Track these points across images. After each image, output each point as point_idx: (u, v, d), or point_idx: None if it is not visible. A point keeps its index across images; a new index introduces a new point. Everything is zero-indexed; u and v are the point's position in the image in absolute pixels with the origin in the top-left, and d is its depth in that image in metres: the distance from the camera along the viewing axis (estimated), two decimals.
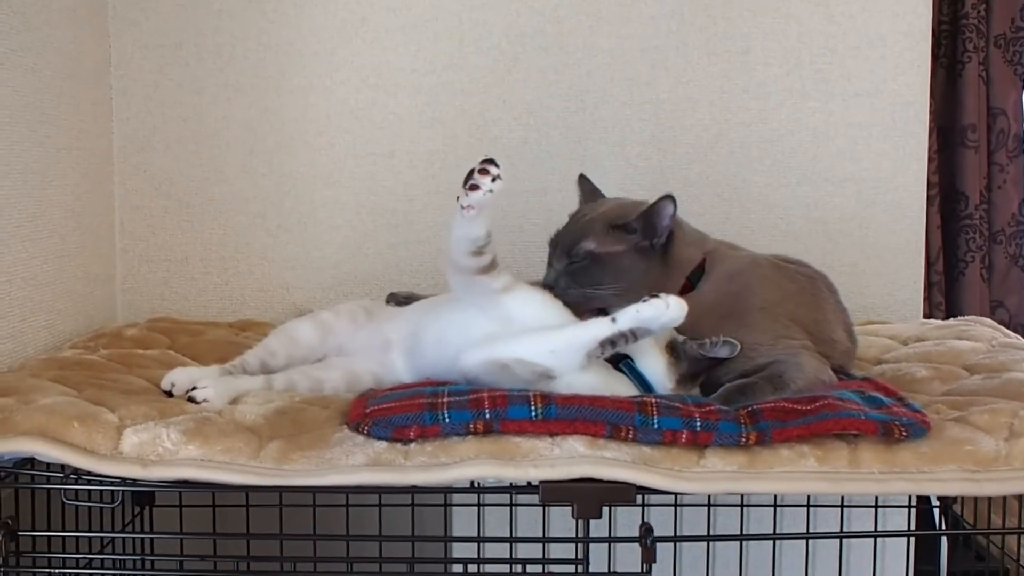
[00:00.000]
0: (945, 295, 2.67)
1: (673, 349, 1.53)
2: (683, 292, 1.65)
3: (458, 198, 1.47)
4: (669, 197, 1.62)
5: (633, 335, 1.45)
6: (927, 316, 2.49)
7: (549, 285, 1.66)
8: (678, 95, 2.28)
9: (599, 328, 1.46)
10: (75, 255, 2.04)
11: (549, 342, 1.48)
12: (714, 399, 1.47)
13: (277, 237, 2.29)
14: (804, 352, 1.58)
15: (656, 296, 1.43)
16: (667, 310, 1.43)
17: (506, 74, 2.27)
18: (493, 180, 1.44)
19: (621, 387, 1.51)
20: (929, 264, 2.59)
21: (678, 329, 1.55)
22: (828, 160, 2.30)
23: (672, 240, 1.67)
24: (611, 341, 1.45)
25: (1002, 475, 1.35)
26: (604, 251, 1.65)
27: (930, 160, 2.46)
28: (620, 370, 1.54)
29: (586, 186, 1.84)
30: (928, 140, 2.33)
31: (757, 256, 1.76)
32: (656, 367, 1.53)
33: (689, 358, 1.53)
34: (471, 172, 1.45)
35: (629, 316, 1.44)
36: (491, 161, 1.44)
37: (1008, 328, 2.18)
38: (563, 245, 1.69)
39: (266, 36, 2.24)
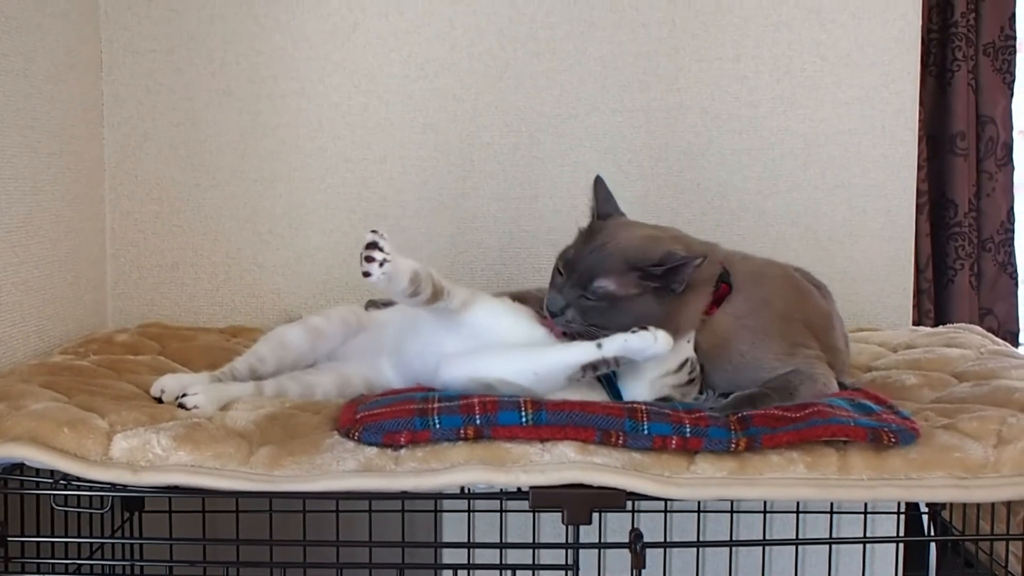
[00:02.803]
0: (934, 302, 2.67)
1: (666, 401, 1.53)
2: (723, 295, 1.62)
3: None
4: (703, 257, 1.56)
5: (616, 362, 1.46)
6: (916, 323, 2.49)
7: (553, 312, 1.58)
8: (669, 102, 2.29)
9: (584, 353, 1.46)
10: (66, 260, 2.03)
11: (532, 364, 1.49)
12: (725, 406, 1.47)
13: (268, 242, 2.29)
14: (819, 363, 1.59)
15: (645, 329, 1.44)
16: (654, 344, 1.43)
17: (498, 80, 2.27)
18: (381, 264, 1.41)
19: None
20: (918, 271, 2.59)
21: (701, 343, 1.58)
22: (818, 167, 2.31)
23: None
24: (593, 366, 1.46)
25: (991, 482, 1.36)
26: (623, 293, 1.56)
27: (919, 168, 2.47)
28: (599, 380, 1.55)
29: (601, 193, 1.74)
30: (917, 148, 2.34)
31: (769, 260, 1.75)
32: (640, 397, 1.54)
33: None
34: (360, 256, 1.42)
35: (616, 345, 1.45)
36: (374, 245, 1.41)
37: (997, 335, 2.19)
38: (579, 275, 1.58)
39: (258, 41, 2.25)
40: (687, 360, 1.54)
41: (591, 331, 1.54)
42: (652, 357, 1.45)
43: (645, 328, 1.44)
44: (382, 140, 2.28)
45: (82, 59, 2.14)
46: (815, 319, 1.66)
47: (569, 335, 1.56)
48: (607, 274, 1.56)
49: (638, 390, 1.54)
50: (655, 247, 1.60)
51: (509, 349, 1.52)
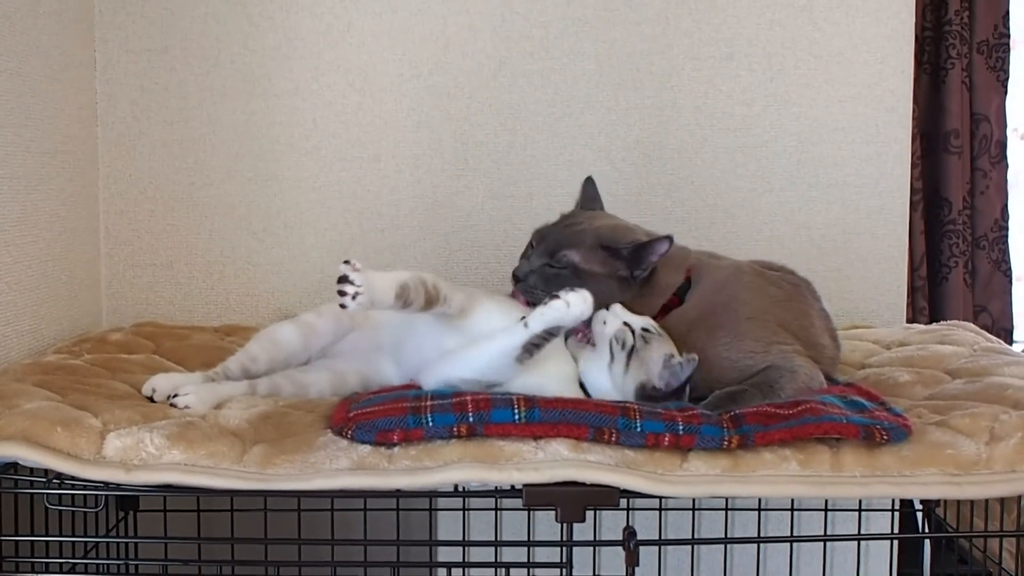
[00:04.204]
0: (929, 300, 2.68)
1: (643, 390, 1.52)
2: (671, 307, 1.65)
3: None
4: (669, 239, 1.61)
5: (550, 333, 1.47)
6: (911, 321, 2.50)
7: (518, 276, 1.66)
8: (663, 100, 2.29)
9: (517, 335, 1.47)
10: (60, 260, 2.03)
11: (482, 357, 1.50)
12: (704, 405, 1.48)
13: (263, 241, 2.29)
14: (797, 356, 1.59)
15: (556, 297, 1.44)
16: (568, 309, 1.44)
17: (492, 78, 2.27)
18: (354, 297, 1.42)
19: (569, 388, 1.53)
20: (913, 269, 2.60)
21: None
22: (812, 165, 2.31)
23: (655, 271, 1.66)
24: (532, 343, 1.47)
25: (983, 478, 1.36)
26: (586, 268, 1.64)
27: (914, 166, 2.47)
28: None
29: (589, 191, 1.81)
30: (912, 146, 2.34)
31: (740, 264, 1.76)
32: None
33: (664, 395, 1.51)
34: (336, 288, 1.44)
35: (536, 319, 1.46)
36: (344, 278, 1.43)
37: (991, 333, 2.19)
38: (548, 244, 1.67)
39: (252, 40, 2.25)
40: (611, 340, 1.53)
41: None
42: (576, 320, 1.46)
43: (556, 296, 1.44)
44: (376, 139, 2.28)
45: (76, 58, 2.14)
46: (790, 319, 1.67)
47: (532, 304, 1.58)
48: (574, 246, 1.65)
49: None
50: (627, 235, 1.67)
51: (464, 349, 1.53)
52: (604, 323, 1.55)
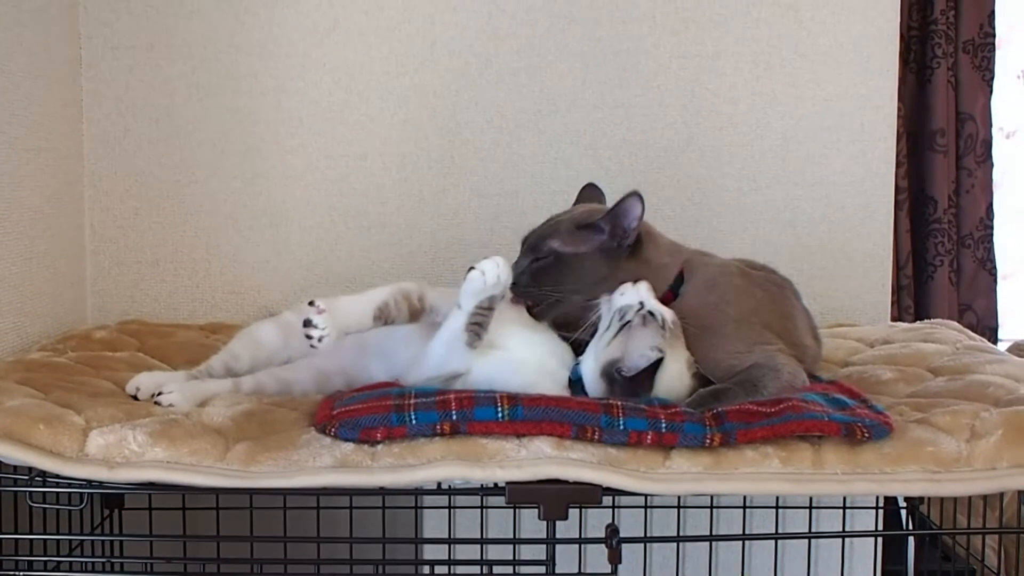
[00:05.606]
0: (914, 299, 2.69)
1: (607, 375, 1.52)
2: (666, 302, 1.65)
3: None
4: (636, 194, 1.62)
5: (485, 308, 1.50)
6: (896, 319, 2.50)
7: (513, 283, 1.64)
8: (649, 98, 2.29)
9: (456, 319, 1.51)
10: (44, 257, 2.02)
11: (435, 351, 1.54)
12: (687, 403, 1.48)
13: (248, 239, 2.29)
14: (780, 355, 1.60)
15: (472, 268, 1.48)
16: (484, 277, 1.48)
17: (478, 76, 2.27)
18: (320, 340, 1.48)
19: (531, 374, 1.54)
20: (898, 268, 2.61)
21: None
22: (797, 164, 2.31)
23: (642, 244, 1.66)
24: (474, 323, 1.50)
25: (963, 475, 1.37)
26: (569, 250, 1.64)
27: (899, 165, 2.48)
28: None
29: (585, 195, 1.82)
30: (897, 145, 2.35)
31: (728, 264, 1.76)
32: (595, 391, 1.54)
33: (622, 379, 1.50)
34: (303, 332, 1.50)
35: (464, 297, 1.50)
36: (307, 322, 1.48)
37: (976, 331, 2.20)
38: (530, 242, 1.69)
39: (238, 38, 2.24)
40: (616, 310, 1.53)
41: (545, 294, 1.61)
42: (498, 286, 1.48)
43: (472, 267, 1.48)
44: (362, 137, 2.28)
45: (61, 55, 2.13)
46: (774, 320, 1.67)
47: (530, 306, 1.63)
48: (555, 235, 1.66)
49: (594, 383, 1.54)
50: (602, 212, 1.67)
51: (427, 346, 1.56)
52: (622, 294, 1.54)
